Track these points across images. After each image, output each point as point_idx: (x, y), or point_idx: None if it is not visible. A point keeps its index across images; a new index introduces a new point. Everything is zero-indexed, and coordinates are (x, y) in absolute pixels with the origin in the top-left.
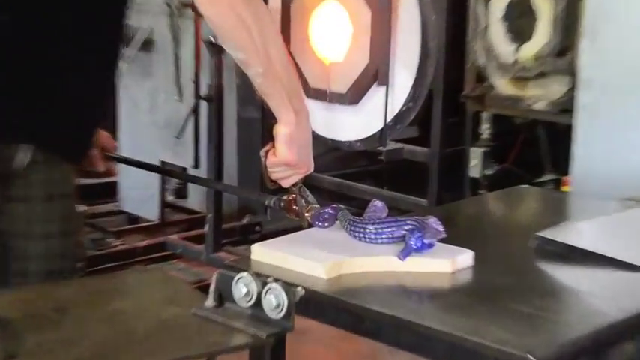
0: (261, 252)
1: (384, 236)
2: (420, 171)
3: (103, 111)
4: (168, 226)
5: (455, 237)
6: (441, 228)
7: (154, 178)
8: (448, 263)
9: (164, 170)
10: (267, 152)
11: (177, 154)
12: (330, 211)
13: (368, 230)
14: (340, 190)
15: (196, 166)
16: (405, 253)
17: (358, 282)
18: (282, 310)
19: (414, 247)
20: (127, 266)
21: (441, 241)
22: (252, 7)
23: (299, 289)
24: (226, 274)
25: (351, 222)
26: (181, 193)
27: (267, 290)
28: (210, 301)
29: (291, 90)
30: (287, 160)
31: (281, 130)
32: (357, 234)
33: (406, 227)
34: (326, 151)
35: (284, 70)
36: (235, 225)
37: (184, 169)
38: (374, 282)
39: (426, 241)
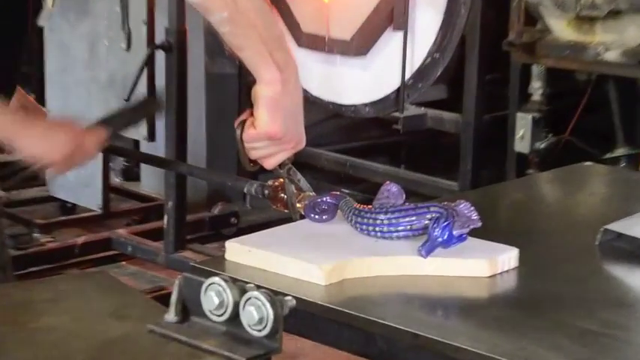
0: (239, 251)
1: (399, 228)
2: (450, 144)
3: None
4: (115, 218)
5: (494, 230)
6: (474, 215)
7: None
8: (485, 264)
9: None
10: (243, 122)
11: None
12: (330, 200)
13: (379, 221)
14: (343, 171)
15: (152, 138)
16: (427, 248)
17: (367, 290)
18: (265, 326)
19: (440, 240)
20: (61, 270)
21: (476, 235)
22: None
23: (288, 298)
24: (192, 280)
25: (357, 212)
26: (131, 174)
27: (247, 301)
28: (171, 315)
29: (271, 39)
30: (270, 132)
31: (261, 93)
32: (364, 227)
33: (429, 216)
34: (324, 118)
35: (258, 14)
36: (204, 216)
37: (135, 143)
38: (387, 290)
39: (455, 232)
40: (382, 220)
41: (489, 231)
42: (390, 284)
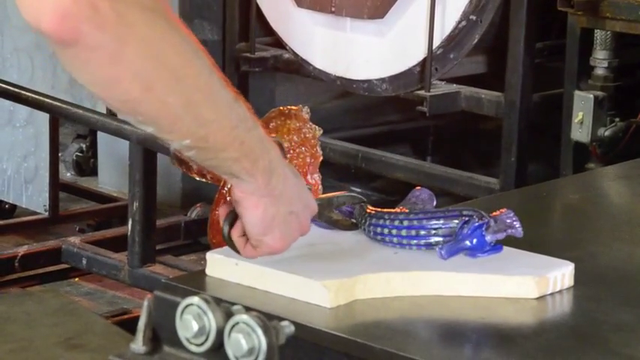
0: (223, 264)
1: (422, 233)
2: (489, 131)
3: None
4: (65, 222)
5: (545, 240)
6: (517, 223)
7: (39, 138)
8: (532, 283)
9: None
10: (230, 219)
11: (78, 95)
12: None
13: (397, 222)
14: (354, 164)
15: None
16: (449, 249)
17: (383, 314)
18: (257, 358)
19: (468, 243)
20: None
21: (522, 245)
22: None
23: (285, 324)
24: (165, 301)
25: (370, 216)
26: (86, 167)
27: (234, 326)
28: (138, 345)
29: (252, 144)
30: (274, 250)
31: (249, 210)
32: (378, 230)
33: (456, 221)
34: (331, 97)
35: (229, 125)
36: (178, 221)
37: (93, 132)
38: (409, 314)
39: (487, 237)
40: (401, 221)
41: (538, 241)
42: (413, 307)
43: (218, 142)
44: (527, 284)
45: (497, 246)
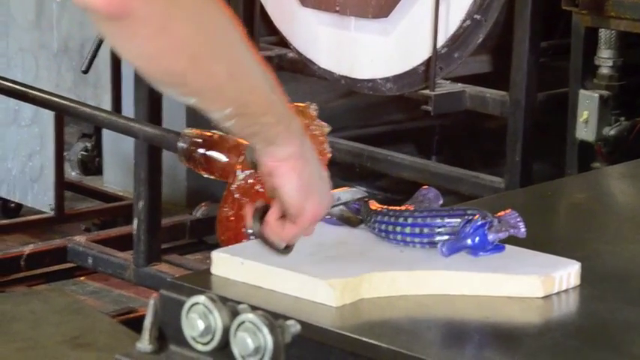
0: (229, 263)
1: (425, 231)
2: (494, 130)
3: None
4: (71, 221)
5: (550, 239)
6: (521, 224)
7: (44, 137)
8: (538, 282)
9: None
10: (260, 214)
11: (83, 94)
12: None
13: (401, 222)
14: (359, 163)
15: (117, 110)
16: (450, 247)
17: (389, 313)
18: (263, 357)
19: (469, 241)
20: (3, 287)
21: (528, 244)
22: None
23: (291, 323)
24: (171, 300)
25: (376, 213)
26: (91, 166)
27: (239, 325)
28: (144, 344)
29: (286, 108)
30: (315, 217)
31: (285, 175)
32: (382, 227)
33: (460, 218)
34: (336, 96)
35: (260, 79)
36: (184, 220)
37: (97, 130)
38: (415, 313)
39: (490, 237)
40: (406, 218)
41: (544, 240)
42: (419, 307)
43: (258, 108)
44: (533, 283)
45: (499, 245)
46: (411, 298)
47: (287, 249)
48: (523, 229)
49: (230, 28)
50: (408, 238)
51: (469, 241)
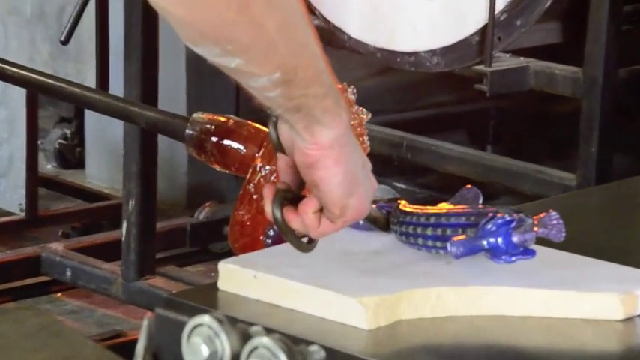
0: (238, 276)
1: (448, 232)
2: (565, 115)
3: None
4: (46, 225)
5: (632, 247)
6: (560, 226)
7: (14, 121)
8: (616, 301)
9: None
10: (282, 200)
11: (62, 70)
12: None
13: (422, 223)
14: (397, 154)
15: (103, 89)
16: (464, 246)
17: (433, 337)
18: None
19: (491, 240)
20: None
21: (603, 255)
22: None
23: (314, 349)
24: (169, 320)
25: (402, 214)
26: (71, 158)
27: (252, 352)
28: None
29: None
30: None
31: (324, 166)
32: (403, 229)
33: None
34: (370, 73)
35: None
36: (184, 223)
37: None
38: (464, 338)
39: (514, 237)
40: (428, 218)
41: (624, 250)
42: (469, 329)
43: (307, 75)
44: (611, 302)
45: (528, 250)
46: (460, 319)
47: (311, 243)
48: (558, 233)
49: None
50: (430, 242)
51: (485, 242)
